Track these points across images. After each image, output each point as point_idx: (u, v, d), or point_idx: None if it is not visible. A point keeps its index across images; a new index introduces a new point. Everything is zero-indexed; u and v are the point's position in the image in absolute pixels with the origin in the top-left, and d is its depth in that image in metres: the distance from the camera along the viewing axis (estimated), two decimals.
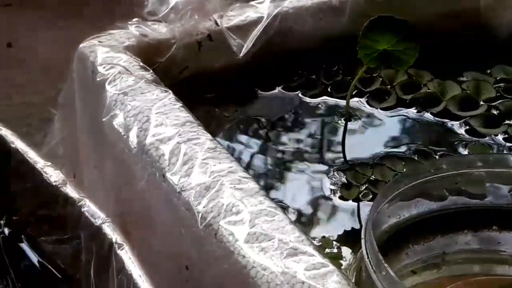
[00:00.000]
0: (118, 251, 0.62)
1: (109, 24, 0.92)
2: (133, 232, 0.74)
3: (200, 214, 0.64)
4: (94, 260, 0.64)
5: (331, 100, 0.92)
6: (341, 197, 0.77)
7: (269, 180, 0.81)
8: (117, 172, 0.78)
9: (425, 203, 0.72)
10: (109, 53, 0.84)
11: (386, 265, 0.58)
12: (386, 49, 0.83)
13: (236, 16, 0.91)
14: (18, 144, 0.73)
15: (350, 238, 0.72)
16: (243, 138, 0.87)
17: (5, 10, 1.84)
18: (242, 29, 0.90)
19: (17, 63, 1.66)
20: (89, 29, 0.97)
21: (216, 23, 0.89)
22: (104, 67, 0.82)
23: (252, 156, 0.85)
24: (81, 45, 0.88)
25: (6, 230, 0.73)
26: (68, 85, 0.94)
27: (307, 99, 0.92)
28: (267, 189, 0.79)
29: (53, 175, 0.69)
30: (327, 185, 0.79)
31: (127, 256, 0.61)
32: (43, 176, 0.69)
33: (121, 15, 0.94)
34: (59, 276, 0.69)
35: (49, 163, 0.70)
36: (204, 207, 0.64)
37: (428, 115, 0.89)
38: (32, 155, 0.71)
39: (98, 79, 0.81)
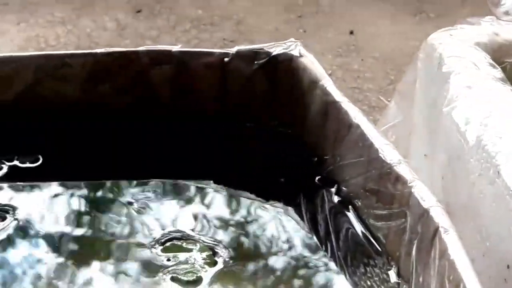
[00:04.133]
0: (443, 236, 0.63)
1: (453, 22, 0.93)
2: (455, 223, 0.74)
3: None
4: (417, 240, 0.65)
5: None
6: None
7: None
8: (449, 163, 0.79)
9: None
10: (458, 47, 0.85)
11: None
12: None
13: None
14: (360, 119, 0.76)
15: None
16: None
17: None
18: None
19: (356, 50, 1.73)
20: (430, 27, 0.99)
21: None
22: (452, 59, 0.83)
23: None
24: (430, 36, 0.90)
25: (336, 198, 0.77)
26: (409, 74, 0.96)
27: None
28: None
29: (389, 154, 0.71)
30: None
31: (452, 242, 0.62)
32: (379, 153, 0.72)
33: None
34: (379, 249, 0.71)
35: (388, 142, 0.73)
36: None
37: None
38: (371, 132, 0.74)
39: (444, 70, 0.83)
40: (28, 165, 0.81)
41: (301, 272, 0.73)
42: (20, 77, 0.80)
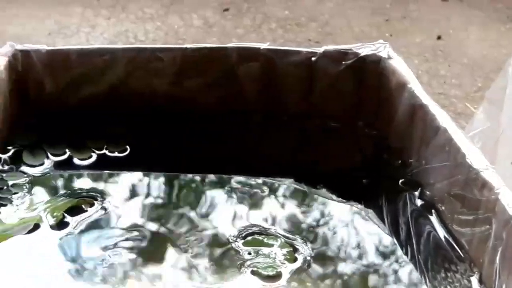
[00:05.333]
0: None
1: None
2: None
3: None
4: (502, 248, 0.64)
5: None
6: None
7: None
8: None
9: None
10: None
11: None
12: None
13: None
14: (447, 123, 0.75)
15: None
16: None
17: (443, 4, 1.90)
18: None
19: (443, 56, 1.71)
20: None
21: None
22: None
23: None
24: None
25: (419, 202, 0.77)
26: (499, 80, 0.94)
27: None
28: None
29: (476, 159, 0.71)
30: None
31: None
32: (466, 157, 0.71)
33: None
34: (462, 255, 0.70)
35: (475, 147, 0.72)
36: None
37: None
38: (459, 136, 0.74)
39: None
40: (116, 154, 0.82)
41: (380, 274, 0.72)
42: (113, 69, 0.82)
